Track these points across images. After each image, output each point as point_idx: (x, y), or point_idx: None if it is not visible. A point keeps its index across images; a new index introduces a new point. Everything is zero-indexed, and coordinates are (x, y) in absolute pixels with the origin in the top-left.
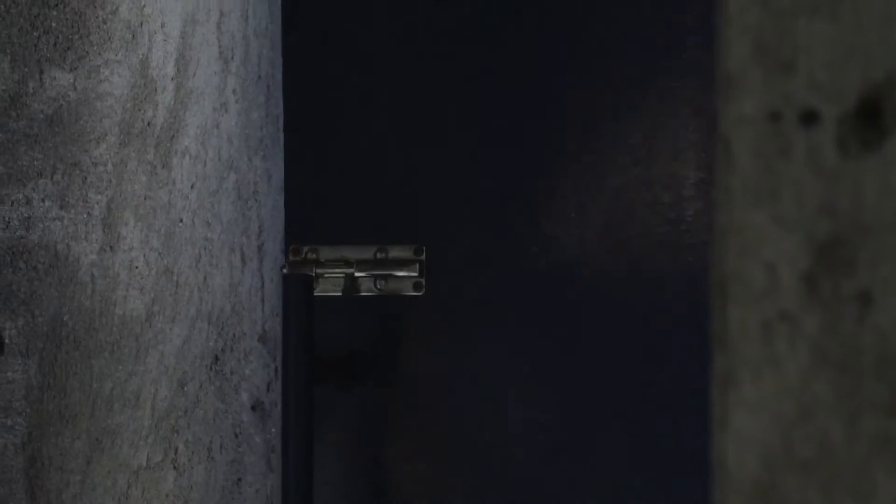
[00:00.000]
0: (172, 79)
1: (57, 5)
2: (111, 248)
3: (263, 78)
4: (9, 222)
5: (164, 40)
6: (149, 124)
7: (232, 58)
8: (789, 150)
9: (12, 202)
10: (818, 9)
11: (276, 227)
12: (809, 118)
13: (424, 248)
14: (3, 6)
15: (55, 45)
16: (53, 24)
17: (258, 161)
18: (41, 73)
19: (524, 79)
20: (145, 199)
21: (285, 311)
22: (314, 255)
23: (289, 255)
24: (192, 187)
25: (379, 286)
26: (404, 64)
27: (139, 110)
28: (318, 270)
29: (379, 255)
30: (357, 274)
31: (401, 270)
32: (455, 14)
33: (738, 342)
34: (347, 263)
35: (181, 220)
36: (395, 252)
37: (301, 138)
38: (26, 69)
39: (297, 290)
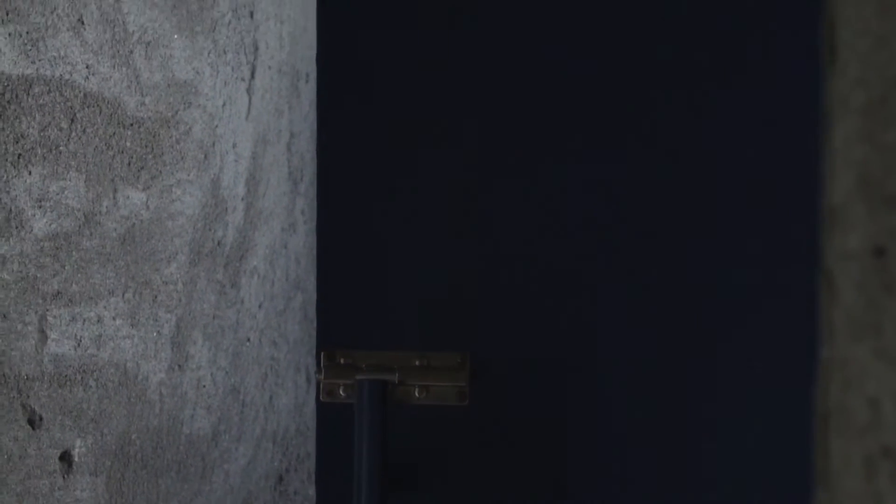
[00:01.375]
0: (243, 199)
1: (132, 125)
2: (180, 366)
3: None
4: (80, 340)
5: (236, 161)
6: (219, 244)
7: (301, 178)
8: (893, 285)
9: (84, 320)
10: None
11: None
12: None
13: (469, 355)
14: (79, 126)
15: (129, 164)
16: (128, 144)
17: None
18: (115, 192)
19: (561, 196)
20: (214, 318)
21: (358, 420)
22: (350, 360)
23: (321, 360)
24: (259, 307)
25: (421, 395)
26: (440, 164)
27: (210, 230)
28: (359, 377)
29: (420, 363)
30: (398, 381)
31: (444, 379)
32: (481, 124)
33: (841, 477)
34: (389, 370)
35: (248, 340)
36: (438, 360)
37: (336, 236)
38: (101, 188)
39: (371, 397)
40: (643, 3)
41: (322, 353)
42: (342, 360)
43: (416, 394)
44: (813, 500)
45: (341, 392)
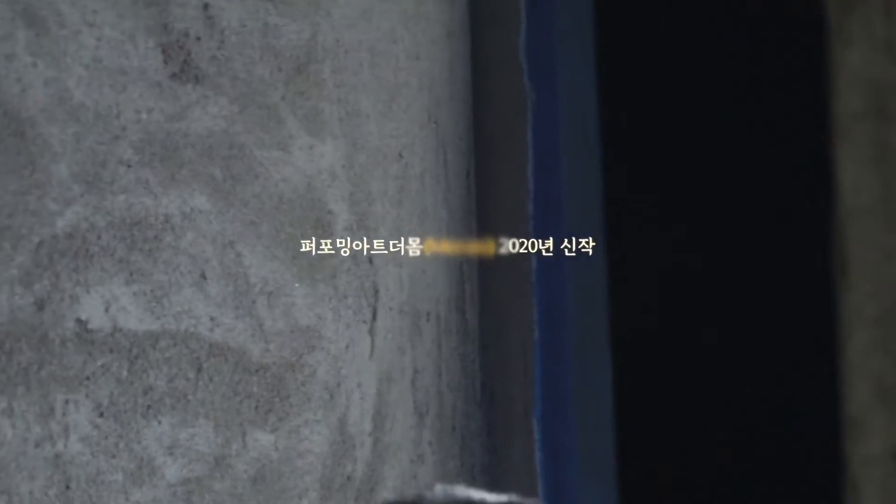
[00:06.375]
0: (370, 434)
1: (258, 371)
2: None
3: (458, 429)
4: None
5: (361, 398)
6: (348, 478)
7: (427, 412)
8: None
9: None
10: None
11: None
12: None
13: None
14: (206, 375)
15: (256, 408)
16: (254, 389)
17: None
18: (244, 435)
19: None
20: None
21: None
22: None
23: None
24: None
25: None
26: None
27: (339, 465)
28: None
29: None
30: None
31: None
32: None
33: None
34: None
35: None
36: None
37: None
38: (229, 433)
39: None
40: None
41: None
42: None
43: None
44: None
45: None
